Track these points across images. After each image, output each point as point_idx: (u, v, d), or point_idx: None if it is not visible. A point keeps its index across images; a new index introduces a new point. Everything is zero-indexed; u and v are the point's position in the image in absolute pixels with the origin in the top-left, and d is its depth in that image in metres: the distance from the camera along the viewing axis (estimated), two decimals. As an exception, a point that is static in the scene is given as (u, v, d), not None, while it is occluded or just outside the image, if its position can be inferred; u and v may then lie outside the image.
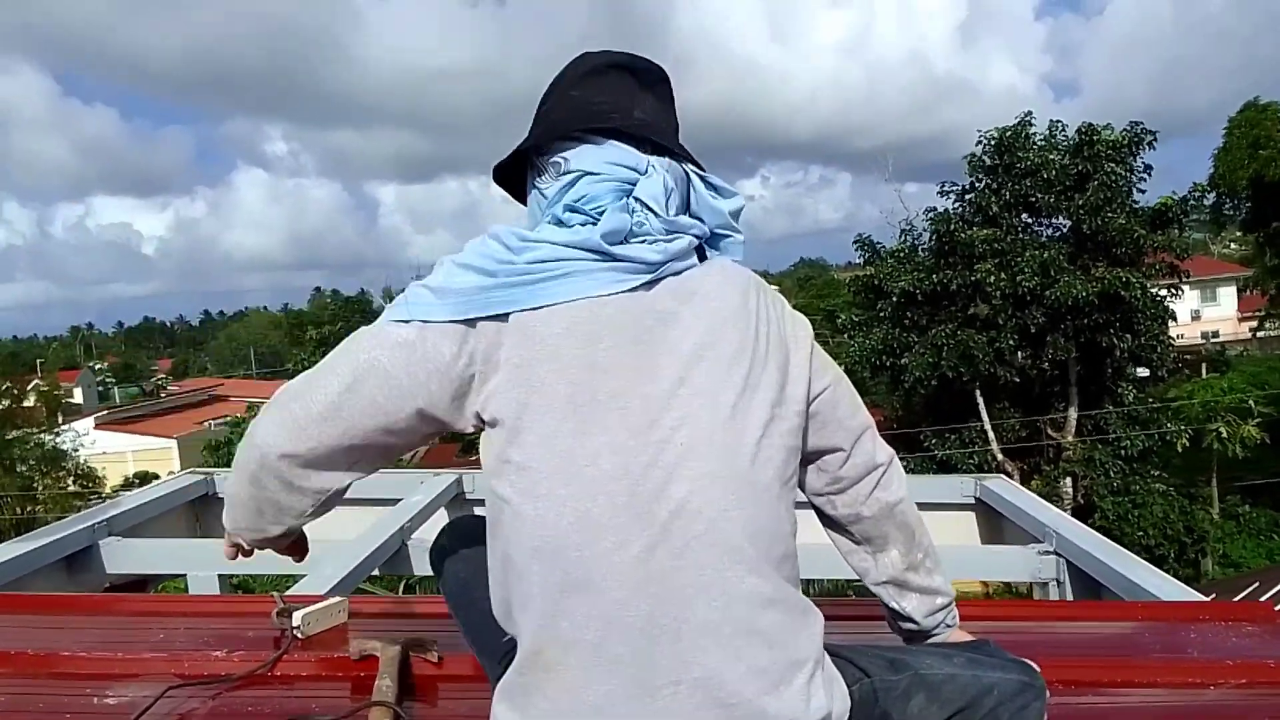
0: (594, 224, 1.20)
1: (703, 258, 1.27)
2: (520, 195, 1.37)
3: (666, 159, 1.27)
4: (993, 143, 19.02)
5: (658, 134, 1.28)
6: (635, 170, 1.23)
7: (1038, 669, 1.37)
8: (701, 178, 1.30)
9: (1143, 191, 18.68)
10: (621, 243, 1.19)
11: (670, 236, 1.23)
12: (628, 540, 1.10)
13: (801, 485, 1.34)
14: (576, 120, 1.26)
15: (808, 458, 1.31)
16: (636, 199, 1.22)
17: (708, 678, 1.10)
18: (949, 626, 1.47)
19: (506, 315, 1.15)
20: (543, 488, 1.12)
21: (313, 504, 1.29)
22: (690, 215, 1.27)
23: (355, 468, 1.27)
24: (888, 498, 1.38)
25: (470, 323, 1.15)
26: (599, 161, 1.23)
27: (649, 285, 1.19)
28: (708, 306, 1.20)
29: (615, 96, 1.29)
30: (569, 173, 1.23)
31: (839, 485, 1.36)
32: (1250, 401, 22.33)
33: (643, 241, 1.20)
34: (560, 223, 1.22)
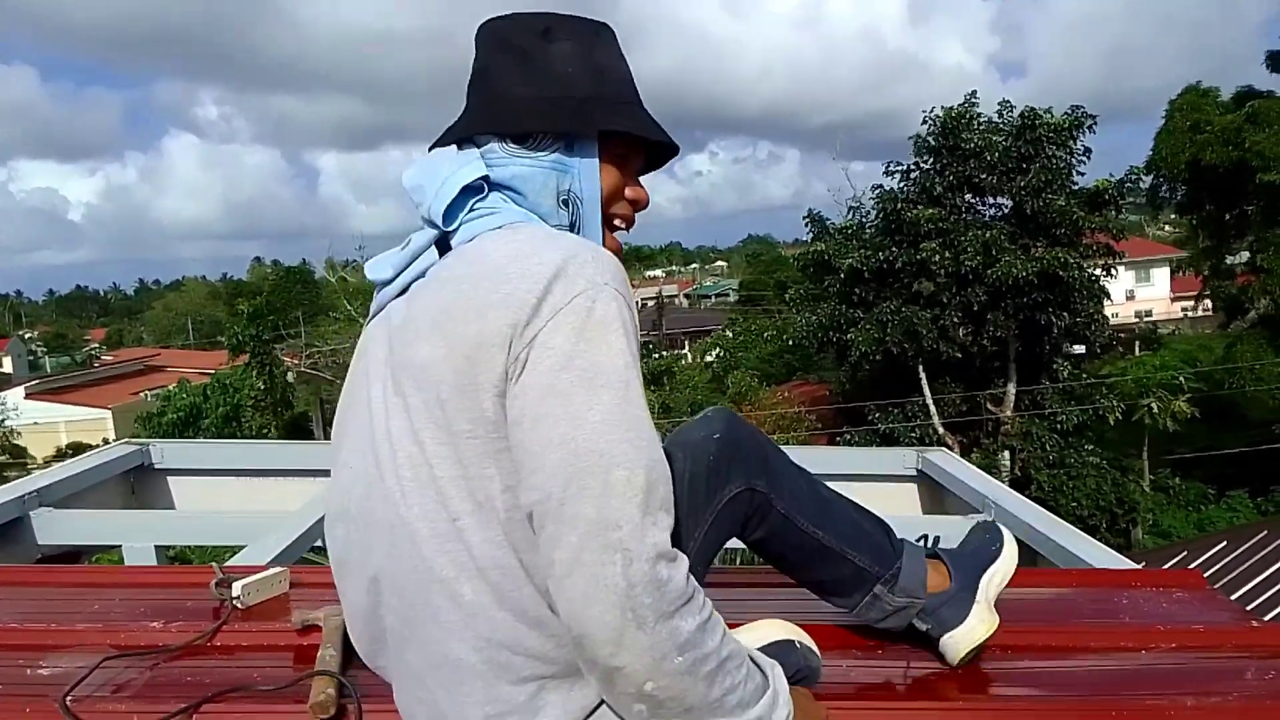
0: None
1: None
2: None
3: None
4: (938, 123, 19.21)
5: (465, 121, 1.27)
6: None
7: None
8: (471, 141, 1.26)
9: (1082, 174, 19.03)
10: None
11: (403, 244, 1.25)
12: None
13: None
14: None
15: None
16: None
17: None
18: None
19: None
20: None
21: None
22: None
23: None
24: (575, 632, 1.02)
25: None
26: None
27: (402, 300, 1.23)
28: (405, 318, 1.18)
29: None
30: None
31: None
32: (1181, 378, 23.00)
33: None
34: None
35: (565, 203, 1.24)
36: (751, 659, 1.17)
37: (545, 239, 1.14)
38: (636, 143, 1.29)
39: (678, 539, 1.43)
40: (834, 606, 1.60)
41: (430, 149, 1.27)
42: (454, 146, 1.25)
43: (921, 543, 1.63)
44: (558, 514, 1.00)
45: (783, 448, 1.59)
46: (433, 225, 1.21)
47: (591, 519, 0.99)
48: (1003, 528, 1.69)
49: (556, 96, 1.22)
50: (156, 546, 2.94)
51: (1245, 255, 23.46)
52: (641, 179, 1.35)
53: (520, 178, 1.22)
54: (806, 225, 20.97)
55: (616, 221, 1.31)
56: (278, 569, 1.91)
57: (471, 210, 1.20)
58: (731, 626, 1.42)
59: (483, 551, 1.08)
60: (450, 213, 1.20)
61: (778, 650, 1.36)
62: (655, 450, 1.05)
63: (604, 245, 1.26)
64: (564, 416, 1.01)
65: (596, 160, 1.25)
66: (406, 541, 1.11)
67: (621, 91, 1.27)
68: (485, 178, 1.21)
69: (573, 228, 1.25)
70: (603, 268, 1.08)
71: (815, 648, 1.45)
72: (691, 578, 1.05)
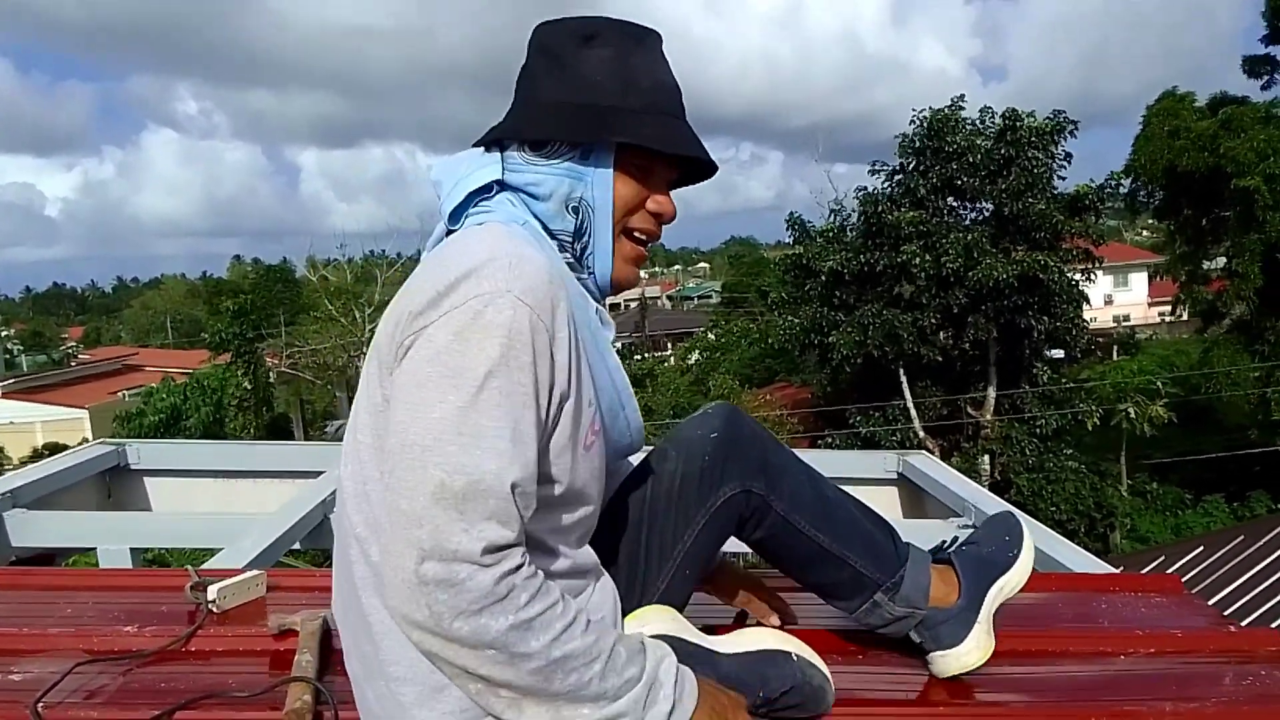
0: None
1: None
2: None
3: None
4: (924, 124, 19.31)
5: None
6: None
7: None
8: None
9: (1063, 178, 19.23)
10: None
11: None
12: None
13: None
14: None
15: None
16: None
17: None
18: None
19: None
20: None
21: None
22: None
23: None
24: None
25: None
26: None
27: None
28: None
29: None
30: None
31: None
32: (1158, 383, 23.18)
33: None
34: None
35: (575, 209, 1.25)
36: (647, 651, 1.17)
37: (486, 240, 1.16)
38: (660, 154, 1.27)
39: (665, 538, 1.41)
40: (835, 609, 1.58)
41: (473, 145, 1.31)
42: (481, 148, 1.29)
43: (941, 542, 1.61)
44: (383, 497, 1.08)
45: None
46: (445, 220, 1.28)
47: (403, 510, 1.03)
48: (1025, 527, 1.66)
49: (578, 104, 1.23)
50: (132, 549, 2.91)
51: (1221, 260, 23.67)
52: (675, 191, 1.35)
53: (533, 184, 1.24)
54: (788, 228, 21.04)
55: (636, 233, 1.30)
56: (254, 572, 1.89)
57: (475, 207, 1.25)
58: (723, 631, 1.41)
59: (384, 517, 1.12)
60: (456, 213, 1.26)
61: (762, 659, 1.33)
62: (490, 461, 1.04)
63: (619, 254, 1.28)
64: (411, 406, 1.06)
65: (610, 170, 1.24)
66: (341, 499, 1.22)
67: (654, 101, 1.25)
68: (498, 180, 1.25)
69: (579, 234, 1.26)
70: (515, 276, 1.09)
71: (820, 664, 1.38)
72: (513, 579, 1.04)
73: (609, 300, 1.38)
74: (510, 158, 1.26)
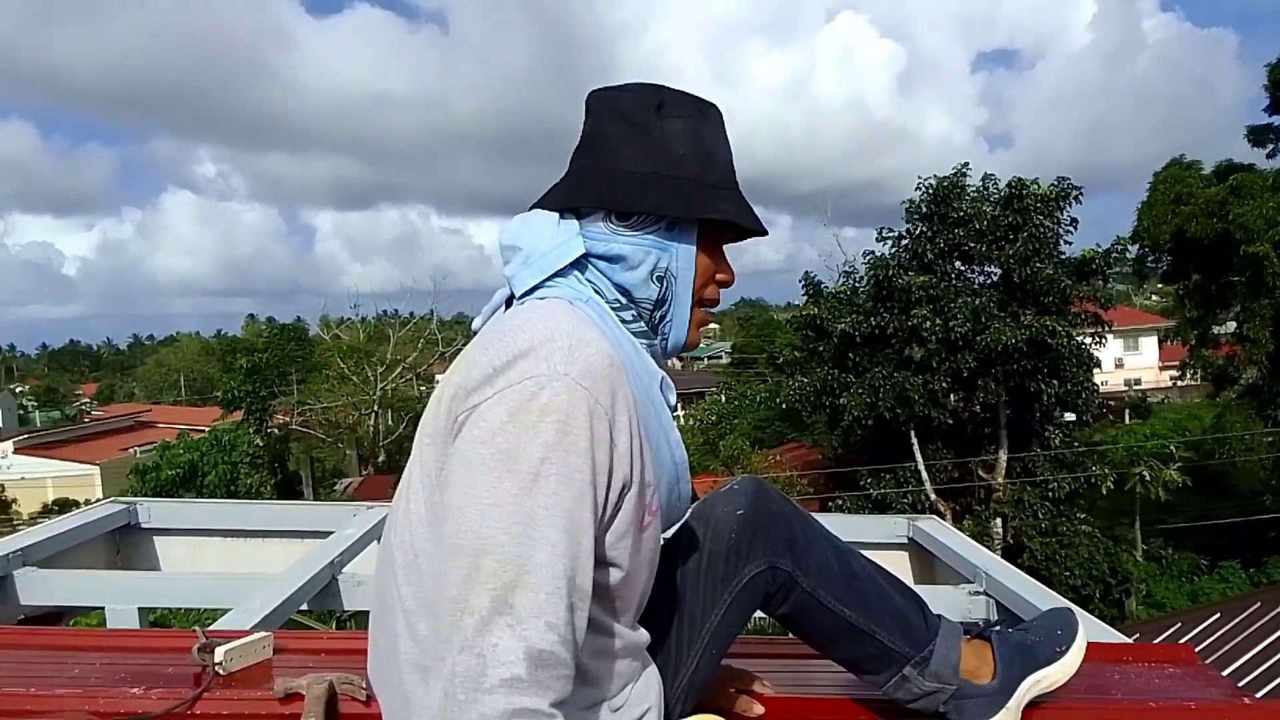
0: None
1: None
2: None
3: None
4: (930, 191, 19.51)
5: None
6: None
7: None
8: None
9: (1069, 243, 19.35)
10: None
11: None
12: None
13: None
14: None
15: None
16: None
17: None
18: None
19: None
20: None
21: None
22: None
23: None
24: None
25: None
26: None
27: None
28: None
29: None
30: None
31: None
32: (1171, 447, 23.03)
33: None
34: None
35: (660, 279, 1.24)
36: None
37: (547, 318, 1.13)
38: (731, 226, 1.29)
39: (694, 618, 1.39)
40: (864, 684, 1.56)
41: (532, 207, 1.28)
42: (555, 215, 1.25)
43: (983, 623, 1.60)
44: (439, 575, 1.05)
45: None
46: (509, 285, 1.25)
47: (453, 597, 1.01)
48: (1082, 625, 1.62)
49: (666, 176, 1.22)
50: (140, 608, 2.90)
51: (1231, 325, 23.65)
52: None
53: (622, 255, 1.23)
54: (802, 288, 21.19)
55: (706, 301, 1.31)
56: (261, 634, 1.88)
57: (547, 279, 1.23)
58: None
59: (436, 596, 1.09)
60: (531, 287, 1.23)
61: None
62: (542, 553, 1.01)
63: (693, 321, 1.29)
64: (465, 489, 1.03)
65: (694, 244, 1.25)
66: (389, 567, 1.19)
67: (725, 177, 1.27)
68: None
69: (661, 303, 1.26)
70: (573, 359, 1.07)
71: None
72: (538, 669, 0.99)
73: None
74: (594, 224, 1.23)
